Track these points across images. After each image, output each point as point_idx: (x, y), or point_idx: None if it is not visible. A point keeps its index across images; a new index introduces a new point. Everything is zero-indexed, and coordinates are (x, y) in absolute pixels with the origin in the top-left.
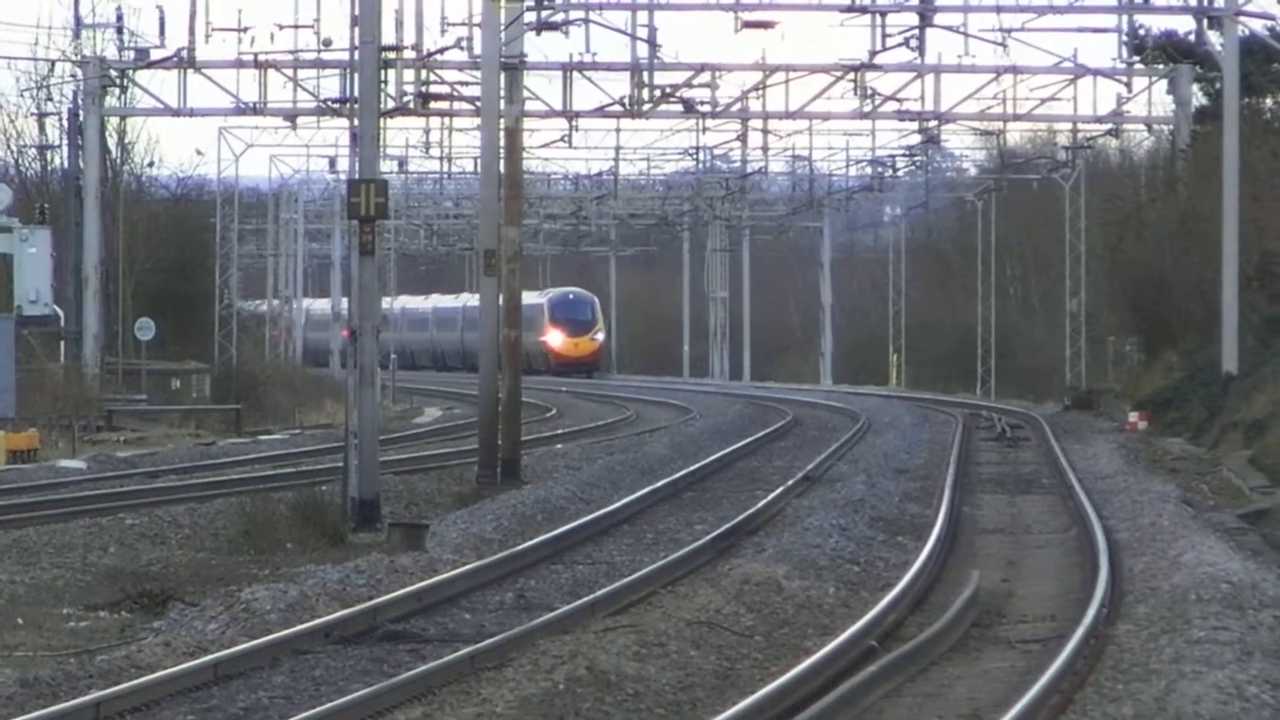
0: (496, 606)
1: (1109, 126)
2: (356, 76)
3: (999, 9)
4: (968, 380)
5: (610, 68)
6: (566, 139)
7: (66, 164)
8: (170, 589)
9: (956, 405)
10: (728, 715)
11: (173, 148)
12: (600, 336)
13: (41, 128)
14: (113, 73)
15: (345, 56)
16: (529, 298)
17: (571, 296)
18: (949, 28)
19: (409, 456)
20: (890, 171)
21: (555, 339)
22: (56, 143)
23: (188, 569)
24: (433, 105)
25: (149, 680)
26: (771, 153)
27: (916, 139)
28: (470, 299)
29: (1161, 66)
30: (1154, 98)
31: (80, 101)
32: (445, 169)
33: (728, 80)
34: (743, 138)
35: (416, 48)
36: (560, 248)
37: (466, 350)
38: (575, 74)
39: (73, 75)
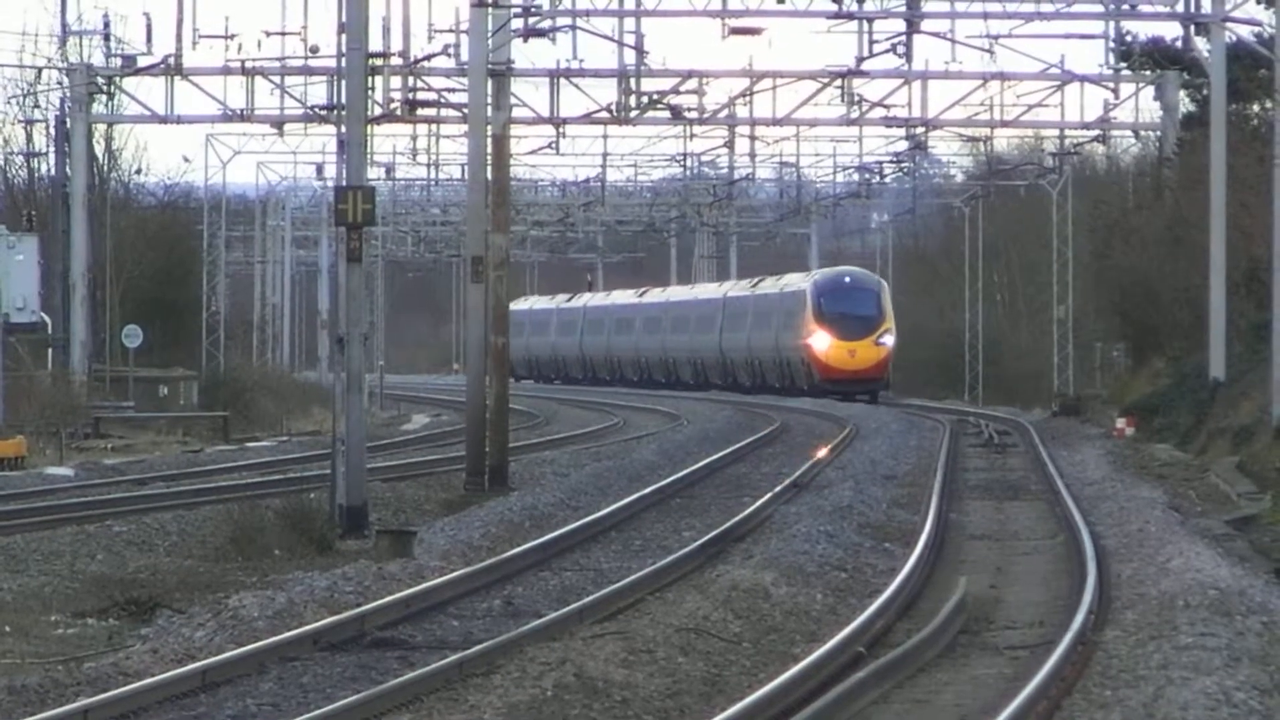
0: (484, 613)
1: (1096, 133)
2: (343, 83)
3: (986, 15)
4: (955, 386)
5: (598, 74)
6: (554, 145)
7: (53, 171)
8: (158, 596)
9: (944, 412)
10: None
11: (160, 155)
12: (889, 340)
13: (28, 135)
14: (100, 79)
15: (332, 63)
16: (792, 283)
17: (848, 280)
18: (936, 34)
19: (397, 463)
20: (877, 178)
21: (822, 343)
22: (43, 150)
23: (175, 576)
24: (420, 112)
25: (137, 687)
26: (759, 159)
27: (904, 145)
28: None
29: (1148, 73)
30: (1141, 104)
31: (67, 108)
32: (432, 176)
33: (715, 86)
34: (730, 144)
35: (404, 54)
36: (548, 254)
37: None
38: (563, 80)
39: (59, 82)
